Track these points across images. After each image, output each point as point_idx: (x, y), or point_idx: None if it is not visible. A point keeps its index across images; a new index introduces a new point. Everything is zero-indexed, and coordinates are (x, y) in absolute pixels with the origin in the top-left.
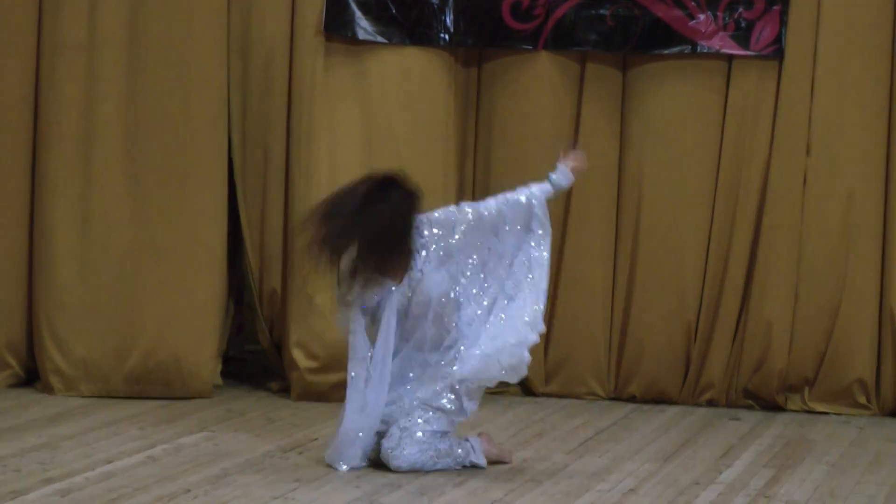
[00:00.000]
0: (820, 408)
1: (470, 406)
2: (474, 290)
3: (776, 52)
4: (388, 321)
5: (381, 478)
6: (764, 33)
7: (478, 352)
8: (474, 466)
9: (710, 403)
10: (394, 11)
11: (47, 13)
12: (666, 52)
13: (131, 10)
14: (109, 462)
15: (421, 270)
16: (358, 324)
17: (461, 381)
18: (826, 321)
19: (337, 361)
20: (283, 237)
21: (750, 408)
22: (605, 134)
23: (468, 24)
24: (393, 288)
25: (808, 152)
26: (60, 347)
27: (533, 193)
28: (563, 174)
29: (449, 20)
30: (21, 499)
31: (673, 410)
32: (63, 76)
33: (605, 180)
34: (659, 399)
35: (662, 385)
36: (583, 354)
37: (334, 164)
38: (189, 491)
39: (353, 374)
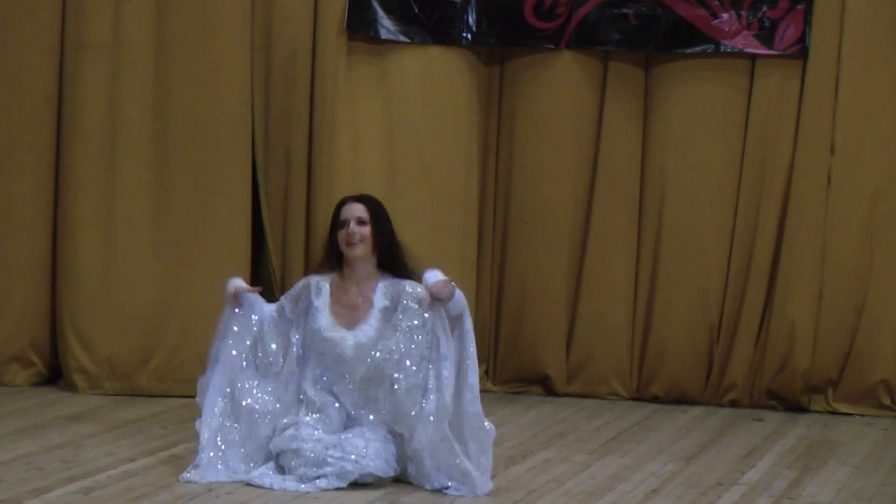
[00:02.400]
0: (844, 409)
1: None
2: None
3: (800, 51)
4: None
5: (401, 478)
6: (788, 32)
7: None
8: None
9: (733, 404)
10: (416, 11)
11: (71, 13)
12: (689, 51)
13: (155, 10)
14: (132, 460)
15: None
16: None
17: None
18: (850, 321)
19: None
20: (305, 235)
21: (773, 408)
22: (628, 133)
23: (490, 24)
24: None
25: (831, 151)
26: (84, 346)
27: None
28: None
29: (471, 19)
30: (44, 497)
31: (695, 411)
32: (87, 76)
33: (627, 180)
34: (681, 399)
35: (685, 385)
36: (605, 354)
37: (356, 162)
38: (211, 490)
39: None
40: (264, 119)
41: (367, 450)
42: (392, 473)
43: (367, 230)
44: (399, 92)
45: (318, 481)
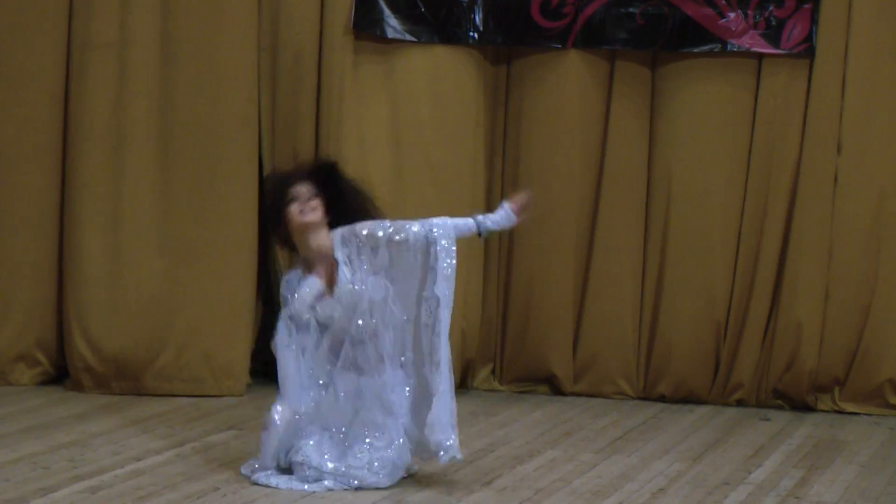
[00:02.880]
0: (850, 408)
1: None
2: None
3: (807, 50)
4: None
5: (408, 477)
6: (794, 31)
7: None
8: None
9: (740, 403)
10: (423, 10)
11: (78, 12)
12: (696, 50)
13: (161, 9)
14: (139, 460)
15: (352, 282)
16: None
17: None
18: (857, 321)
19: None
20: None
21: (780, 408)
22: (634, 133)
23: (497, 23)
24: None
25: (838, 151)
26: (91, 345)
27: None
28: (504, 216)
29: (478, 18)
30: (50, 496)
31: (702, 410)
32: (93, 74)
33: (634, 179)
34: (688, 399)
35: (691, 385)
36: (611, 354)
37: (363, 162)
38: (218, 489)
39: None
40: (271, 118)
41: (371, 465)
42: (397, 479)
43: (316, 201)
44: (405, 91)
45: (323, 482)
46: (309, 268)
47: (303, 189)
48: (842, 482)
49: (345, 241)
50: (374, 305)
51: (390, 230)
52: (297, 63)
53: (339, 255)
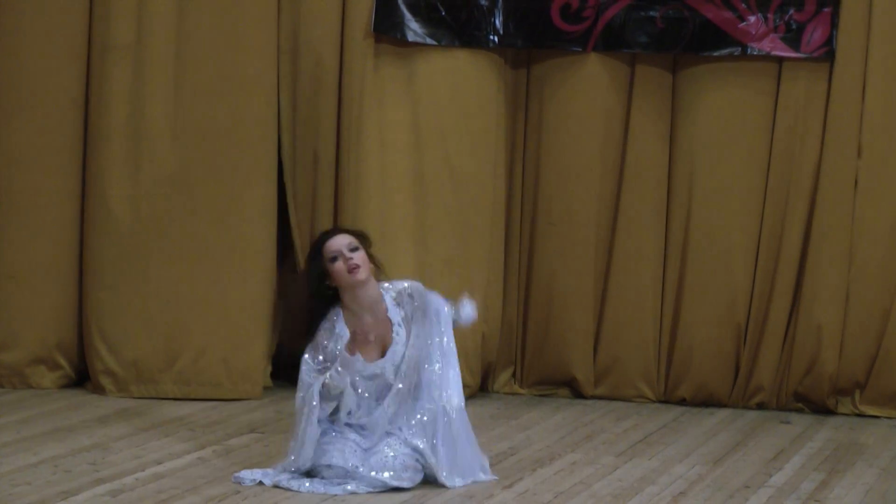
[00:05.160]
0: (871, 411)
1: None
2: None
3: (827, 54)
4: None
5: (429, 480)
6: (815, 35)
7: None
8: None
9: (760, 406)
10: (443, 13)
11: (98, 14)
12: (716, 54)
13: (179, 11)
14: (159, 463)
15: (405, 346)
16: None
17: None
18: (877, 324)
19: None
20: None
21: (800, 411)
22: (655, 136)
23: (517, 26)
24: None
25: (859, 154)
26: (110, 349)
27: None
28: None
29: (498, 22)
30: (72, 499)
31: (723, 413)
32: (113, 78)
33: (654, 182)
34: (709, 402)
35: (712, 388)
36: (632, 357)
37: (384, 165)
38: (239, 492)
39: None
40: (291, 122)
41: (395, 467)
42: (419, 479)
43: (362, 255)
44: (426, 94)
45: (345, 485)
46: (356, 321)
47: (342, 242)
48: (862, 485)
49: (399, 302)
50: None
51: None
52: (318, 66)
53: (394, 315)
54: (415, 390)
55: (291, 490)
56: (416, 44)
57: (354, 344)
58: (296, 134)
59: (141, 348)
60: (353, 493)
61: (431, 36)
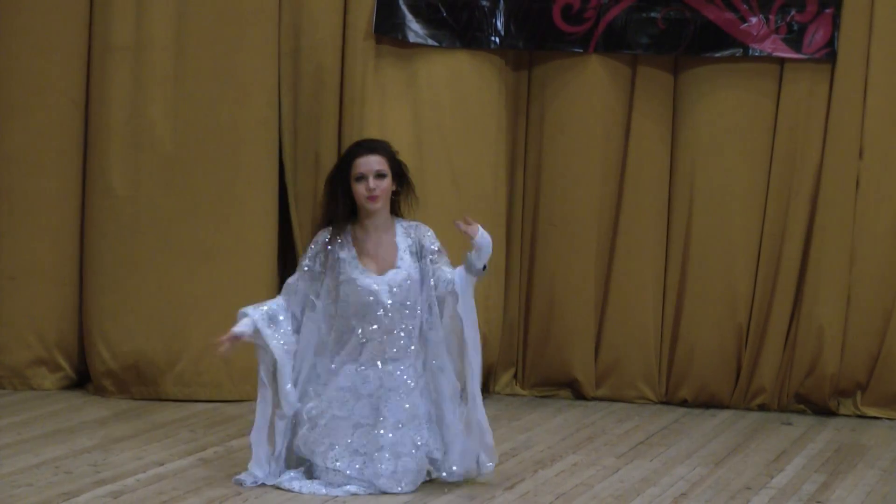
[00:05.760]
0: (872, 412)
1: None
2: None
3: (828, 55)
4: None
5: (429, 481)
6: (816, 36)
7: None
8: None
9: (762, 408)
10: (444, 14)
11: (98, 15)
12: (717, 55)
13: (180, 13)
14: (161, 464)
15: (408, 273)
16: None
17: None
18: (879, 325)
19: None
20: None
21: (802, 412)
22: (656, 137)
23: (519, 27)
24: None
25: (860, 155)
26: (111, 350)
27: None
28: (476, 254)
29: (500, 23)
30: (73, 500)
31: (724, 415)
32: (112, 78)
33: (656, 183)
34: (710, 403)
35: (713, 389)
36: (633, 358)
37: None
38: (240, 493)
39: None
40: (293, 123)
41: (395, 471)
42: (421, 481)
43: (386, 183)
44: (427, 95)
45: (347, 487)
46: (364, 236)
47: (372, 165)
48: (864, 487)
49: (408, 234)
50: (423, 300)
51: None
52: (319, 67)
53: (402, 242)
54: (425, 347)
55: (292, 491)
56: (417, 45)
57: (360, 256)
58: (297, 135)
59: (142, 349)
60: (353, 494)
61: (432, 37)
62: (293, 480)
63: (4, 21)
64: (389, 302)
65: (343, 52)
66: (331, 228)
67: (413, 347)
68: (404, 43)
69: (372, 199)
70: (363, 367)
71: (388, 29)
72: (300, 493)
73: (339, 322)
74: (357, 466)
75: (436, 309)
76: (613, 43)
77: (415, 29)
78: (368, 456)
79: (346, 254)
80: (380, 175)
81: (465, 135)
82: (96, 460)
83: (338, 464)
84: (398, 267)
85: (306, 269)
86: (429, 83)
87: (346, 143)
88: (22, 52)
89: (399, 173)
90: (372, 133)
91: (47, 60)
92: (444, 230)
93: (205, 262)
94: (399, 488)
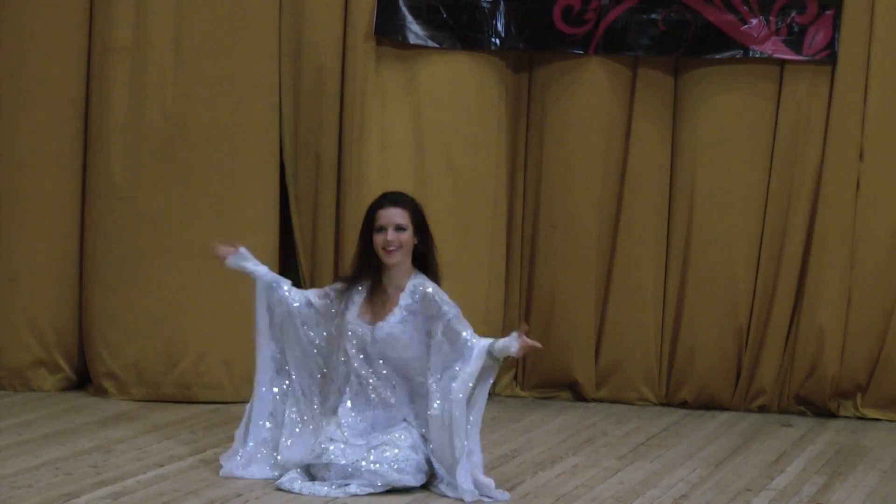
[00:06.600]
0: (873, 414)
1: None
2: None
3: (829, 56)
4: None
5: (430, 481)
6: (817, 38)
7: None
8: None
9: (762, 409)
10: (445, 16)
11: (98, 16)
12: (718, 56)
13: (179, 14)
14: (161, 465)
15: (400, 327)
16: None
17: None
18: (879, 327)
19: None
20: (335, 241)
21: (802, 414)
22: (657, 139)
23: (519, 29)
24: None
25: (860, 157)
26: (111, 351)
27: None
28: (504, 347)
29: (500, 24)
30: (73, 502)
31: (724, 416)
32: (112, 79)
33: (656, 185)
34: (710, 405)
35: (714, 391)
36: (634, 360)
37: (385, 168)
38: (240, 495)
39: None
40: (293, 124)
41: (396, 461)
42: (423, 480)
43: (405, 236)
44: (428, 97)
45: (347, 487)
46: (371, 291)
47: (395, 215)
48: (864, 488)
49: (414, 294)
50: (412, 357)
51: (455, 316)
52: (319, 68)
53: (404, 299)
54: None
55: (293, 492)
56: (417, 46)
57: (364, 303)
58: (297, 136)
59: (142, 351)
60: (354, 494)
61: (433, 38)
62: (294, 481)
63: (4, 22)
64: (375, 352)
65: (343, 54)
66: (351, 277)
67: (395, 401)
68: (405, 44)
69: (388, 252)
70: (356, 404)
71: (388, 30)
72: (301, 493)
73: (333, 361)
74: (351, 459)
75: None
76: (614, 44)
77: (415, 30)
78: (363, 448)
79: (357, 298)
80: (399, 228)
81: (465, 136)
82: (96, 461)
83: (336, 461)
84: (389, 319)
85: (328, 290)
86: (429, 84)
87: (347, 145)
88: (22, 52)
89: (422, 227)
90: (372, 135)
91: (47, 61)
92: (445, 231)
93: (205, 263)
94: (399, 477)
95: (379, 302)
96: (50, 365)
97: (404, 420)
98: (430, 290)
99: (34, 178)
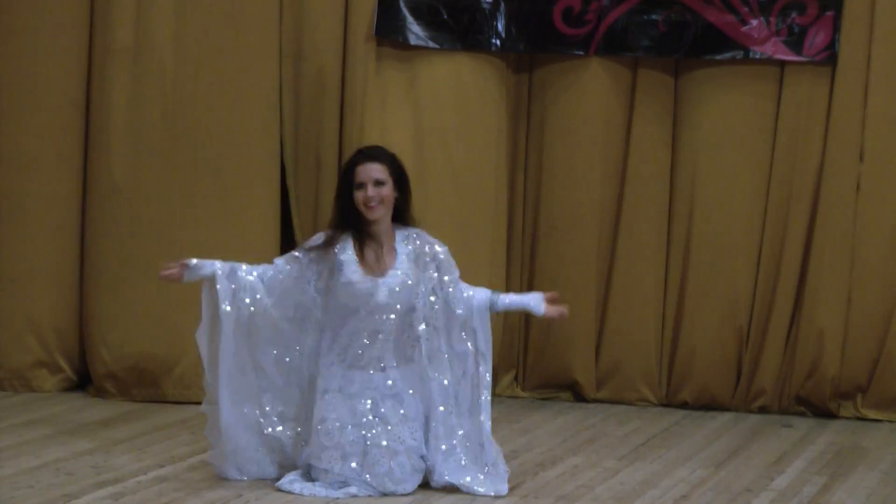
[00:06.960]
0: (873, 415)
1: None
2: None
3: (829, 57)
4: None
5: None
6: (817, 39)
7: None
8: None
9: (762, 410)
10: (445, 17)
11: (99, 18)
12: (718, 57)
13: (180, 15)
14: (162, 466)
15: (408, 275)
16: None
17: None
18: (879, 328)
19: None
20: None
21: (802, 415)
22: (657, 140)
23: (519, 30)
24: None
25: (861, 158)
26: (111, 352)
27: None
28: (537, 302)
29: (500, 25)
30: (73, 502)
31: (724, 417)
32: (113, 80)
33: (656, 186)
34: (710, 405)
35: (714, 391)
36: (634, 360)
37: None
38: (241, 496)
39: None
40: (294, 125)
41: (391, 476)
42: (420, 479)
43: (386, 191)
44: (428, 98)
45: (347, 488)
46: (359, 247)
47: (374, 170)
48: (864, 489)
49: (409, 241)
50: (421, 307)
51: (455, 275)
52: (320, 70)
53: (401, 248)
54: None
55: (293, 493)
56: (417, 47)
57: (360, 261)
58: (298, 137)
59: (142, 351)
60: (354, 496)
61: (433, 39)
62: (294, 483)
63: (5, 23)
64: (387, 304)
65: (344, 55)
66: (332, 231)
67: (410, 354)
68: (405, 45)
69: (369, 207)
70: (350, 370)
71: (388, 31)
72: (301, 494)
73: (334, 325)
74: (352, 465)
75: (440, 322)
76: (614, 45)
77: (415, 31)
78: (362, 456)
79: (346, 256)
80: (378, 183)
81: (465, 137)
82: (97, 462)
83: (335, 465)
84: (396, 269)
85: (297, 254)
86: (430, 85)
87: (347, 145)
88: (22, 54)
89: (401, 180)
90: (372, 135)
91: (47, 62)
92: (445, 231)
93: None
94: (395, 487)
95: (374, 256)
96: (50, 366)
97: (410, 390)
98: (441, 256)
99: (35, 179)
